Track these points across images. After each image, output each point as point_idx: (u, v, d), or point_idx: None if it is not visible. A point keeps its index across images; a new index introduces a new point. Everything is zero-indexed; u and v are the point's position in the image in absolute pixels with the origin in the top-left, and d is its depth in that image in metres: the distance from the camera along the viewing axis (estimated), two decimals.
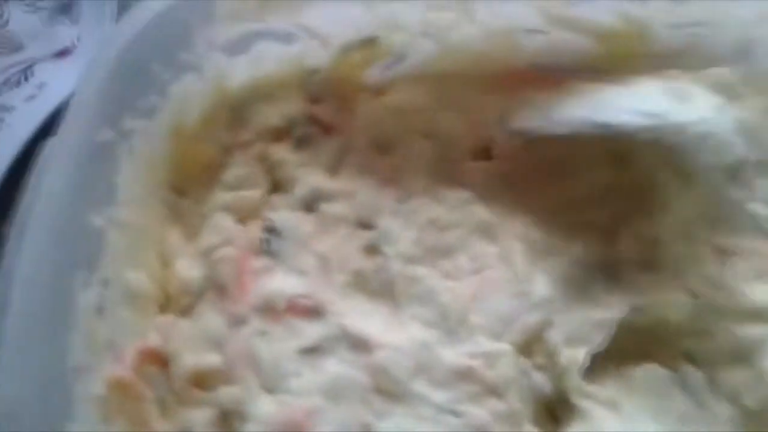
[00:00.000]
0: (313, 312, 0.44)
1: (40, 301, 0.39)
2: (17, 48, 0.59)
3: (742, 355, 0.45)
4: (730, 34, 0.48)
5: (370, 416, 0.42)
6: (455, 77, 0.49)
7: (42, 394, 0.39)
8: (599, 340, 0.45)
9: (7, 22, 0.60)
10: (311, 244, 0.46)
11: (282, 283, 0.44)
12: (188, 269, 0.46)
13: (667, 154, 0.46)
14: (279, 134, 0.49)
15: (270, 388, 0.43)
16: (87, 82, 0.41)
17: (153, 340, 0.44)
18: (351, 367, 0.43)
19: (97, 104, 0.42)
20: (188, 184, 0.48)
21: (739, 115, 0.47)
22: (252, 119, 0.49)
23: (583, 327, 0.45)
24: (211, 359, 0.43)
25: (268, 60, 0.48)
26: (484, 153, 0.50)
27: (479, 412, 0.42)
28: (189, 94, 0.46)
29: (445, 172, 0.49)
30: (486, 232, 0.47)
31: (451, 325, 0.44)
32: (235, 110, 0.49)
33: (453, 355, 0.43)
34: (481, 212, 0.48)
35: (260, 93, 0.49)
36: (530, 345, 0.45)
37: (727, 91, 0.47)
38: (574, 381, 0.45)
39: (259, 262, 0.45)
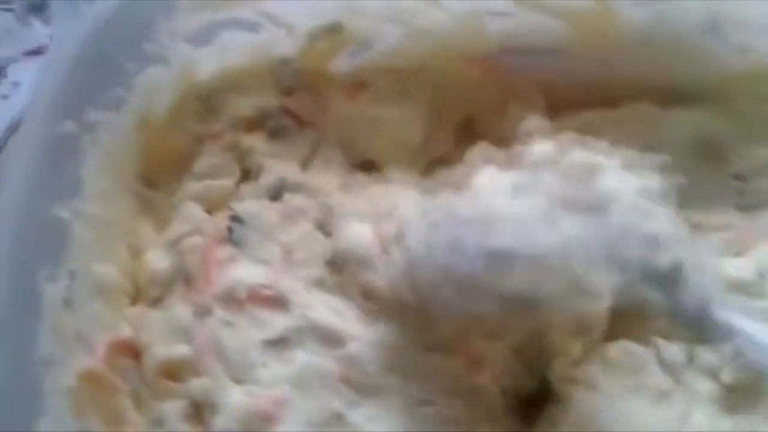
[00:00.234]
0: (276, 302, 0.44)
1: (4, 294, 0.39)
2: None
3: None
4: (698, 10, 0.48)
5: (340, 405, 0.42)
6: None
7: (10, 386, 0.39)
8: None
9: None
10: (275, 234, 0.46)
11: (244, 272, 0.44)
12: (157, 260, 0.46)
13: None
14: (252, 125, 0.49)
15: (238, 379, 0.42)
16: (48, 75, 0.41)
17: (124, 332, 0.44)
18: (320, 357, 0.43)
19: (59, 97, 0.42)
20: (159, 175, 0.48)
21: None
22: (223, 109, 0.49)
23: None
24: (181, 350, 0.43)
25: (235, 49, 0.48)
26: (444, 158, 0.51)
27: (454, 403, 0.42)
28: (156, 86, 0.46)
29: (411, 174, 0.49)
30: None
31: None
32: (205, 100, 0.49)
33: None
34: None
35: (230, 83, 0.49)
36: (525, 346, 0.44)
37: None
38: (562, 371, 0.44)
39: (223, 251, 0.45)
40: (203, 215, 0.46)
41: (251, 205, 0.46)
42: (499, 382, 0.43)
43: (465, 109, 0.52)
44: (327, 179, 0.48)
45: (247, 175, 0.48)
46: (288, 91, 0.50)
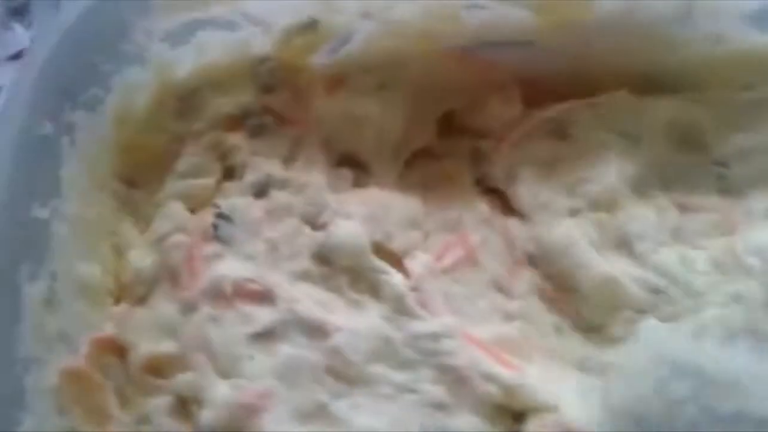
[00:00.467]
0: (263, 297, 0.44)
1: None
2: None
3: None
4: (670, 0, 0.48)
5: (325, 396, 0.42)
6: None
7: None
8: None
9: None
10: (261, 230, 0.46)
11: (230, 267, 0.45)
12: (141, 258, 0.46)
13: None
14: (232, 123, 0.50)
15: (224, 373, 0.43)
16: (23, 76, 0.42)
17: (108, 330, 0.45)
18: (305, 349, 0.43)
19: (35, 98, 0.42)
20: (139, 174, 0.48)
21: None
22: (203, 108, 0.49)
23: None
24: (166, 347, 0.44)
25: (212, 48, 0.48)
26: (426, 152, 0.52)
27: (438, 389, 0.42)
28: (133, 86, 0.47)
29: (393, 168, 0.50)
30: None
31: (410, 315, 0.44)
32: (184, 100, 0.49)
33: (414, 344, 0.43)
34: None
35: (209, 82, 0.49)
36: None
37: None
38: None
39: (209, 248, 0.45)
40: (186, 214, 0.47)
41: (237, 202, 0.47)
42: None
43: (445, 102, 0.53)
44: (313, 176, 0.48)
45: (229, 173, 0.49)
46: (267, 89, 0.50)
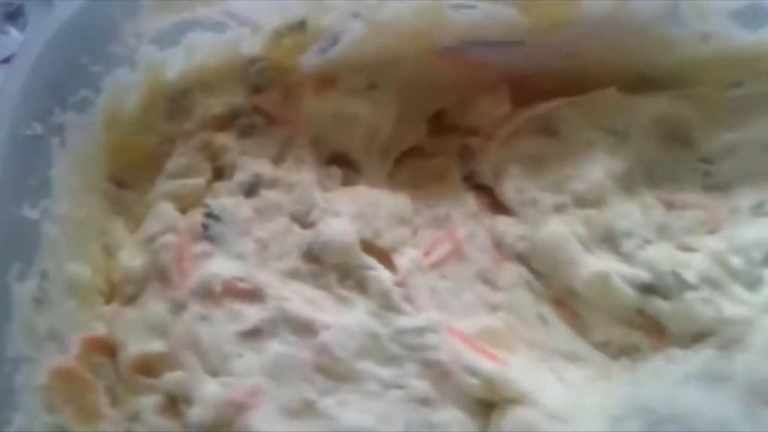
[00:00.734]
0: (252, 295, 0.44)
1: None
2: None
3: None
4: None
5: (313, 393, 0.42)
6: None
7: None
8: None
9: None
10: (250, 229, 0.46)
11: (219, 266, 0.45)
12: (131, 258, 0.46)
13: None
14: (222, 123, 0.50)
15: (213, 371, 0.43)
16: (13, 77, 0.42)
17: (99, 329, 0.45)
18: (293, 347, 0.43)
19: (25, 99, 0.42)
20: (129, 175, 0.48)
21: None
22: (193, 109, 0.50)
23: None
24: (156, 346, 0.44)
25: (203, 50, 0.49)
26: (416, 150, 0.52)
27: (422, 384, 0.43)
28: (123, 87, 0.47)
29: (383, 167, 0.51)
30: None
31: (397, 310, 0.45)
32: (175, 101, 0.49)
33: (400, 339, 0.44)
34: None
35: (199, 83, 0.50)
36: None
37: None
38: None
39: (199, 248, 0.45)
40: (176, 214, 0.47)
41: (226, 201, 0.47)
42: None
43: (434, 101, 0.53)
44: (302, 175, 0.49)
45: (219, 173, 0.49)
46: (257, 90, 0.50)
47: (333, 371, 0.43)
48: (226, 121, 0.50)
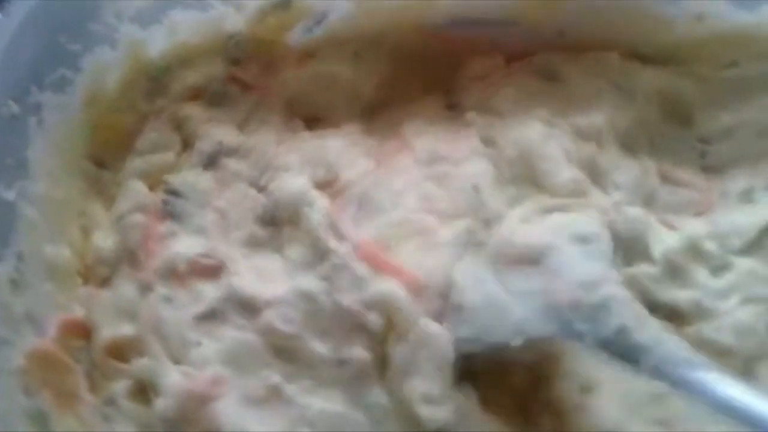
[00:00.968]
0: (214, 271, 0.44)
1: None
2: None
3: None
4: None
5: (276, 378, 0.42)
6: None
7: None
8: None
9: None
10: (210, 200, 0.46)
11: (183, 245, 0.44)
12: (103, 240, 0.46)
13: None
14: (195, 94, 0.49)
15: (176, 358, 0.42)
16: None
17: (77, 312, 0.44)
18: (245, 331, 0.42)
19: (1, 79, 0.42)
20: (108, 154, 0.48)
21: None
22: (172, 85, 0.49)
23: None
24: (126, 329, 0.43)
25: (185, 28, 0.48)
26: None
27: (357, 351, 0.41)
28: (103, 66, 0.46)
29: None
30: None
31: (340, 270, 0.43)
32: (155, 79, 0.49)
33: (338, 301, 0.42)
34: None
35: (181, 60, 0.49)
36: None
37: None
38: None
39: (164, 227, 0.45)
40: (145, 191, 0.46)
41: (186, 175, 0.46)
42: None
43: (421, 72, 0.51)
44: (262, 135, 0.48)
45: (187, 146, 0.48)
46: (236, 63, 0.49)
47: (287, 352, 0.42)
48: (198, 92, 0.49)
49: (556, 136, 0.45)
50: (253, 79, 0.49)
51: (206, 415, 0.40)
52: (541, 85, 0.48)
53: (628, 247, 0.44)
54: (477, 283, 0.41)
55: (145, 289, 0.44)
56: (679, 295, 0.43)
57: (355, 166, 0.45)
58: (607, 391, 0.42)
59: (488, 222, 0.43)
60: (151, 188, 0.46)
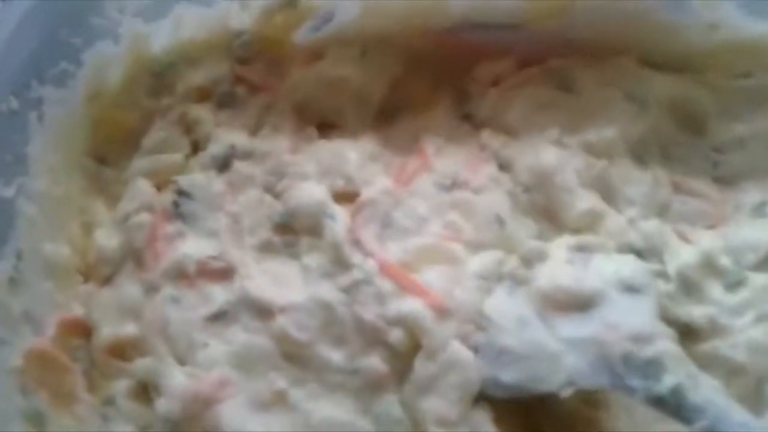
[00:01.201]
0: (224, 274, 0.43)
1: None
2: None
3: None
4: None
5: (283, 383, 0.41)
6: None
7: None
8: None
9: None
10: (223, 204, 0.45)
11: (192, 246, 0.44)
12: (106, 238, 0.45)
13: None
14: (202, 95, 0.48)
15: (181, 359, 0.42)
16: None
17: (76, 311, 0.44)
18: (256, 334, 0.42)
19: (0, 73, 0.41)
20: (110, 152, 0.47)
21: None
22: (177, 83, 0.48)
23: None
24: (129, 329, 0.43)
25: (190, 24, 0.47)
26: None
27: (373, 361, 0.41)
28: (106, 61, 0.46)
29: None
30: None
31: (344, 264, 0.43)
32: (159, 75, 0.48)
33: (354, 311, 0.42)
34: None
35: (185, 57, 0.48)
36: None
37: None
38: None
39: (172, 228, 0.44)
40: (152, 191, 0.46)
41: (198, 177, 0.46)
42: None
43: (432, 74, 0.50)
44: (277, 142, 0.47)
45: (196, 147, 0.48)
46: (242, 62, 0.49)
47: (297, 357, 0.42)
48: (206, 93, 0.48)
49: (568, 160, 0.45)
50: (260, 79, 0.48)
51: (209, 417, 0.40)
52: (553, 95, 0.48)
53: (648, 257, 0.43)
54: (520, 325, 0.40)
55: (151, 289, 0.43)
56: (693, 312, 0.42)
57: (374, 183, 0.45)
58: (614, 406, 0.41)
59: (514, 252, 0.43)
60: (158, 188, 0.46)
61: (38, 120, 0.43)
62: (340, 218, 0.43)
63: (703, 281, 0.43)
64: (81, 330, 0.44)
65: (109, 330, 0.43)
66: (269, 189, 0.46)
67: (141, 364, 0.42)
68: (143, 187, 0.45)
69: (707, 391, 0.38)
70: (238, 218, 0.45)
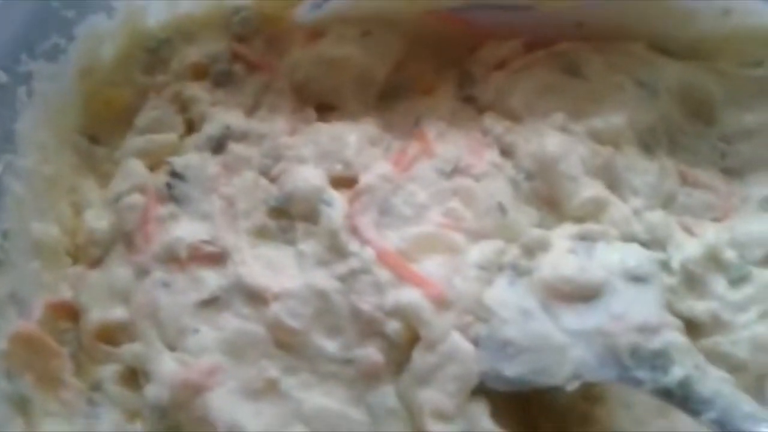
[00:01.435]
0: (217, 259, 0.42)
1: None
2: None
3: None
4: None
5: (275, 371, 0.40)
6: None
7: None
8: None
9: None
10: (217, 186, 0.44)
11: (185, 230, 0.42)
12: (97, 219, 0.44)
13: None
14: (198, 73, 0.47)
15: (171, 345, 0.41)
16: None
17: (64, 293, 0.43)
18: (249, 321, 0.41)
19: None
20: (102, 130, 0.46)
21: None
22: (172, 60, 0.47)
23: None
24: (118, 313, 0.42)
25: None
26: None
27: (368, 352, 0.40)
28: (99, 35, 0.44)
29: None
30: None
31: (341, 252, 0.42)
32: (154, 52, 0.47)
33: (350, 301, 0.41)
34: None
35: (182, 33, 0.47)
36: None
37: None
38: None
39: (164, 209, 0.43)
40: (145, 172, 0.44)
41: (192, 158, 0.44)
42: None
43: (436, 55, 0.49)
44: (274, 124, 0.46)
45: (191, 127, 0.46)
46: (240, 38, 0.47)
47: (290, 345, 0.41)
48: (202, 70, 0.47)
49: (573, 147, 0.44)
50: (258, 57, 0.47)
51: (199, 404, 0.39)
52: (560, 79, 0.47)
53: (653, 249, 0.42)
54: (523, 317, 0.39)
55: (141, 272, 0.42)
56: (696, 307, 0.41)
57: (374, 167, 0.43)
58: (613, 401, 0.40)
59: (515, 241, 0.42)
60: (151, 169, 0.44)
61: (27, 95, 0.41)
62: (337, 204, 0.42)
63: (706, 275, 0.42)
64: (69, 313, 0.43)
65: (98, 313, 0.42)
66: (265, 172, 0.44)
67: (130, 349, 0.41)
68: (136, 168, 0.44)
69: (715, 382, 0.37)
70: (233, 201, 0.43)
